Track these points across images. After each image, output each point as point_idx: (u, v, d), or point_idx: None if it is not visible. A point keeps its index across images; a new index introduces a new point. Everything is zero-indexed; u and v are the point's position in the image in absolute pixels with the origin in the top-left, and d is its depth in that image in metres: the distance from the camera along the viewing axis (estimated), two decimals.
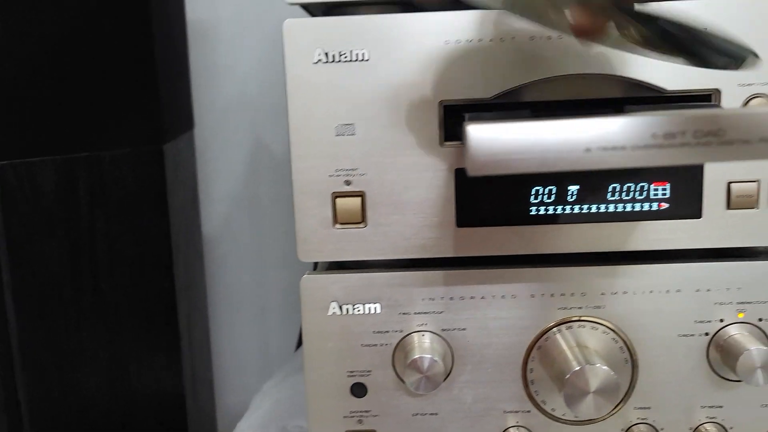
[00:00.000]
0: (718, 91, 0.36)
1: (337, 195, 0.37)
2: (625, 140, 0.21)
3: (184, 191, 0.61)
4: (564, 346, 0.37)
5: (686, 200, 0.37)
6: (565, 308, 0.38)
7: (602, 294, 0.37)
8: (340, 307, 0.38)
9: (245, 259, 0.74)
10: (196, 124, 0.68)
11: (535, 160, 0.22)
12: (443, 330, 0.38)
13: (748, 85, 0.36)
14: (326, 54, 0.36)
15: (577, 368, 0.35)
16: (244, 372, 0.76)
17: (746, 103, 0.36)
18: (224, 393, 0.76)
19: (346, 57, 0.36)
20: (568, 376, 0.35)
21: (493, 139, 0.21)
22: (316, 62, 0.36)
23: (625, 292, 0.37)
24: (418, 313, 0.38)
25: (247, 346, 0.76)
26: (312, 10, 0.40)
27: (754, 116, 0.21)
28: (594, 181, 0.37)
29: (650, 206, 0.37)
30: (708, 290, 0.37)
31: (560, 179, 0.37)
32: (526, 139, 0.22)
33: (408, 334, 0.38)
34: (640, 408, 0.38)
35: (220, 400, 0.74)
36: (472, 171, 0.22)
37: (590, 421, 0.38)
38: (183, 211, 0.59)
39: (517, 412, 0.38)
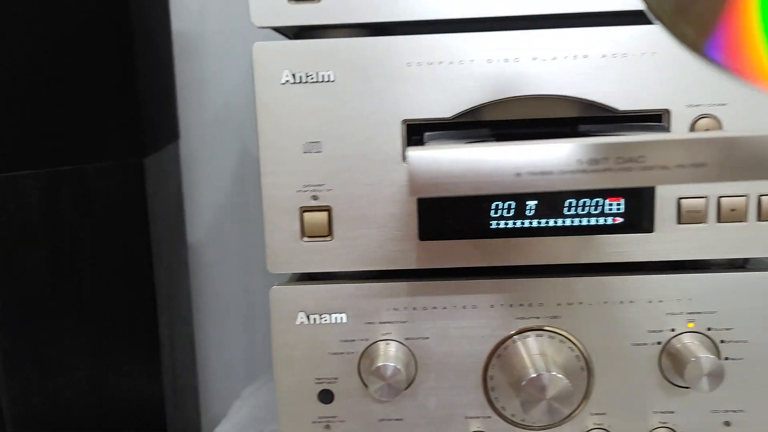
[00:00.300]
0: (668, 111, 0.38)
1: (304, 209, 0.38)
2: (553, 165, 0.23)
3: (168, 201, 0.62)
4: (522, 354, 0.39)
5: (639, 215, 0.38)
6: (523, 318, 0.39)
7: (559, 305, 0.39)
8: (308, 317, 0.39)
9: (231, 267, 0.76)
10: (183, 135, 0.70)
11: (470, 184, 0.23)
12: (407, 339, 0.39)
13: (696, 106, 0.37)
14: (294, 75, 0.37)
15: (534, 375, 0.36)
16: (230, 379, 0.77)
17: (694, 122, 0.38)
18: (210, 400, 0.77)
19: (312, 78, 0.37)
20: (524, 382, 0.36)
21: (431, 164, 0.23)
22: (284, 83, 0.37)
23: (581, 303, 0.39)
24: (383, 322, 0.39)
25: (233, 354, 0.77)
26: (284, 32, 0.41)
27: (671, 143, 0.23)
28: (551, 197, 0.38)
29: (605, 221, 0.39)
30: (660, 301, 0.39)
31: (519, 195, 0.38)
32: (461, 164, 0.23)
33: (373, 343, 0.39)
34: (596, 414, 0.40)
35: (205, 408, 0.76)
36: (412, 193, 0.23)
37: (548, 426, 0.40)
38: (166, 221, 0.61)
39: (478, 417, 0.40)
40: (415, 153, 0.23)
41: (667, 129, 0.37)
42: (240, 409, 0.55)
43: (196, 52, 0.72)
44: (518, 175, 0.23)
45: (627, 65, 0.37)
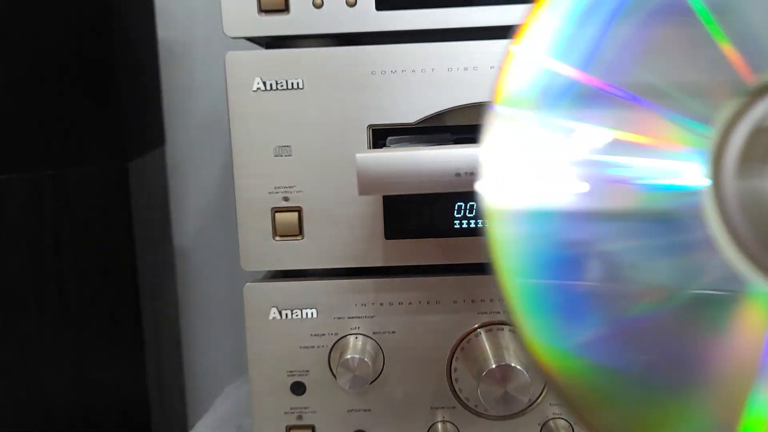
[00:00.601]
0: None
1: (276, 210, 0.40)
2: None
3: (153, 204, 0.64)
4: (484, 347, 0.41)
5: None
6: (485, 313, 0.41)
7: None
8: (280, 312, 0.41)
9: (218, 269, 0.78)
10: (171, 140, 0.72)
11: (413, 183, 0.25)
12: (375, 333, 0.41)
13: None
14: (264, 83, 0.39)
15: (493, 366, 0.38)
16: (216, 378, 0.79)
17: None
18: (196, 399, 0.79)
19: (282, 86, 0.39)
20: (484, 373, 0.38)
21: (377, 165, 0.25)
22: (256, 90, 0.39)
23: None
24: (352, 317, 0.41)
25: (219, 354, 0.79)
26: (258, 41, 0.44)
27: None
28: None
29: None
30: None
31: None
32: (405, 165, 0.25)
33: (343, 337, 0.41)
34: (556, 404, 0.42)
35: (192, 406, 0.77)
36: (361, 192, 0.26)
37: (510, 416, 0.42)
38: (151, 224, 0.63)
39: (443, 407, 0.42)
40: (362, 155, 0.25)
41: None
42: (221, 404, 0.57)
43: (182, 58, 0.74)
44: (458, 175, 0.25)
45: None
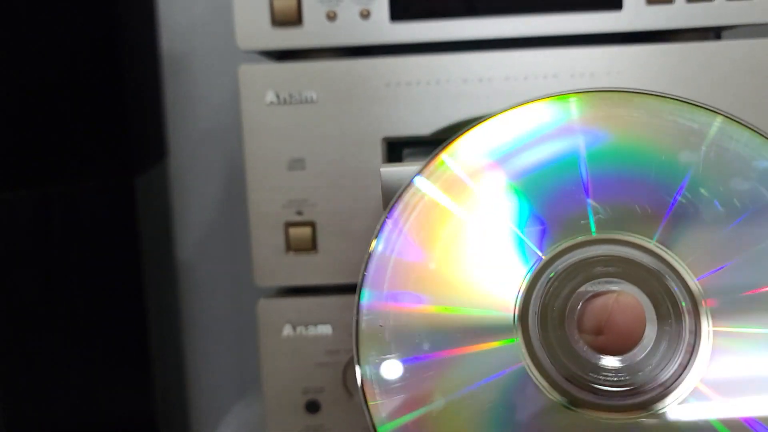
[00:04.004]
0: None
1: (289, 224, 0.40)
2: None
3: (157, 220, 0.63)
4: None
5: None
6: None
7: None
8: (294, 329, 0.41)
9: (220, 284, 0.77)
10: (173, 153, 0.71)
11: None
12: None
13: None
14: (278, 96, 0.39)
15: None
16: (220, 396, 0.78)
17: None
18: (200, 417, 0.78)
19: (296, 99, 0.39)
20: None
21: (402, 179, 0.25)
22: (269, 104, 0.39)
23: None
24: None
25: (223, 370, 0.78)
26: (268, 53, 0.43)
27: None
28: None
29: None
30: None
31: None
32: None
33: None
34: None
35: (195, 424, 0.76)
36: (386, 206, 0.25)
37: None
38: (156, 239, 0.62)
39: None
40: (387, 169, 0.25)
41: None
42: (229, 424, 0.56)
43: (184, 70, 0.73)
44: None
45: (594, 84, 0.39)
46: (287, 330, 0.40)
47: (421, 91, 0.39)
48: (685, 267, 0.23)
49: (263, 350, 0.41)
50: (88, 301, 0.53)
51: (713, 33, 0.41)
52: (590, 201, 0.23)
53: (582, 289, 0.23)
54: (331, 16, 0.38)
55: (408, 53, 0.39)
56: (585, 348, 0.23)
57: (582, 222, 0.23)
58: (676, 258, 0.23)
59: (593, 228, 0.23)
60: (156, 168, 0.63)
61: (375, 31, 0.39)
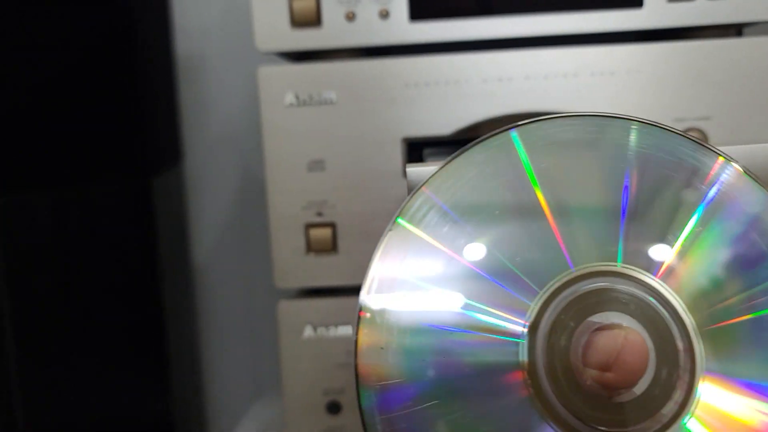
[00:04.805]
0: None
1: (310, 226, 0.40)
2: None
3: (173, 221, 0.64)
4: None
5: None
6: None
7: None
8: (315, 330, 0.41)
9: (235, 286, 0.77)
10: (188, 156, 0.71)
11: None
12: None
13: (682, 120, 0.39)
14: (297, 97, 0.39)
15: None
16: (236, 397, 0.78)
17: None
18: (217, 418, 0.78)
19: (315, 100, 0.39)
20: None
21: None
22: (289, 105, 0.39)
23: None
24: None
25: (239, 372, 0.78)
26: (286, 55, 0.43)
27: None
28: None
29: None
30: None
31: None
32: None
33: None
34: None
35: (212, 426, 0.76)
36: None
37: None
38: (172, 241, 0.62)
39: None
40: (413, 168, 0.25)
41: None
42: (247, 426, 0.56)
43: (199, 73, 0.74)
44: None
45: (615, 83, 0.38)
46: (308, 331, 0.40)
47: (440, 91, 0.39)
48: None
49: (284, 352, 0.41)
50: (105, 302, 0.54)
51: (734, 30, 0.40)
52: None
53: (590, 318, 0.23)
54: (350, 17, 0.38)
55: (427, 53, 0.39)
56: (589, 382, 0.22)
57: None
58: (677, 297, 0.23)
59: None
60: (172, 170, 0.63)
61: (394, 31, 0.39)
